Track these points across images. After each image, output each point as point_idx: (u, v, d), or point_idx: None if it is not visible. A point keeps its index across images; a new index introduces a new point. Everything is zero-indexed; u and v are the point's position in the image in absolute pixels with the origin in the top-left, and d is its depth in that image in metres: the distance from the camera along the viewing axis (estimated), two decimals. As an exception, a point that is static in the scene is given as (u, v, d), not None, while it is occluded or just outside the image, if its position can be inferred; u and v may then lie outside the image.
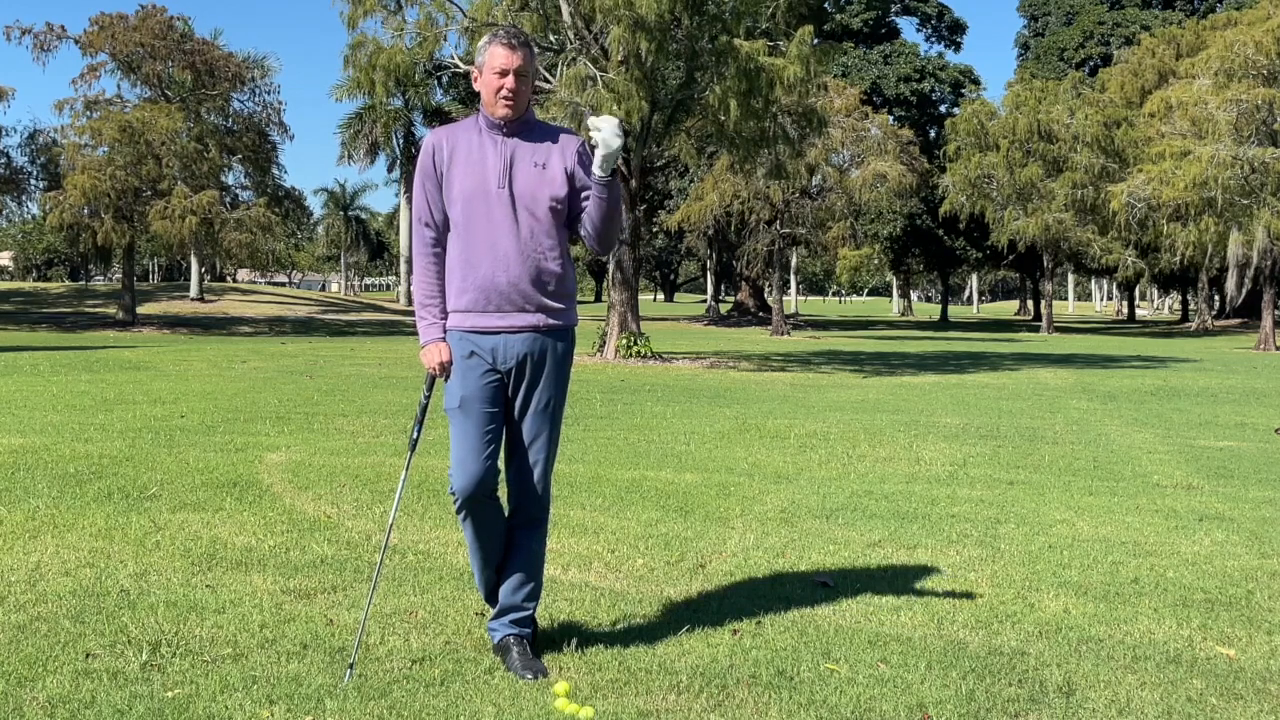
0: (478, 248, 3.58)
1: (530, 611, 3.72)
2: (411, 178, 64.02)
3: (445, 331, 3.65)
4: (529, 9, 20.58)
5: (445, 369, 3.62)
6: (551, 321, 3.65)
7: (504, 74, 3.57)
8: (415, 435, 3.77)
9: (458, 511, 3.66)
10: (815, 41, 20.49)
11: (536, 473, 3.69)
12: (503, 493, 3.72)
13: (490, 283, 3.57)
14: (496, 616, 3.73)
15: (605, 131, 3.55)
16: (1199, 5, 62.17)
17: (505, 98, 3.59)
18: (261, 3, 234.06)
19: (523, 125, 3.66)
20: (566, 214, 3.68)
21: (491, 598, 3.80)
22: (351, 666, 3.50)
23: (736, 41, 19.31)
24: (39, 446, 8.24)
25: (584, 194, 3.67)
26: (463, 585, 4.48)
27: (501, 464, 3.71)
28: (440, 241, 3.67)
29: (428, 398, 3.72)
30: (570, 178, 3.64)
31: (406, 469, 3.90)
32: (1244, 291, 34.87)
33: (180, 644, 3.73)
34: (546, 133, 3.70)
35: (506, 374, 3.63)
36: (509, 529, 3.74)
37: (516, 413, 3.68)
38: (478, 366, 3.61)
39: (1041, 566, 5.03)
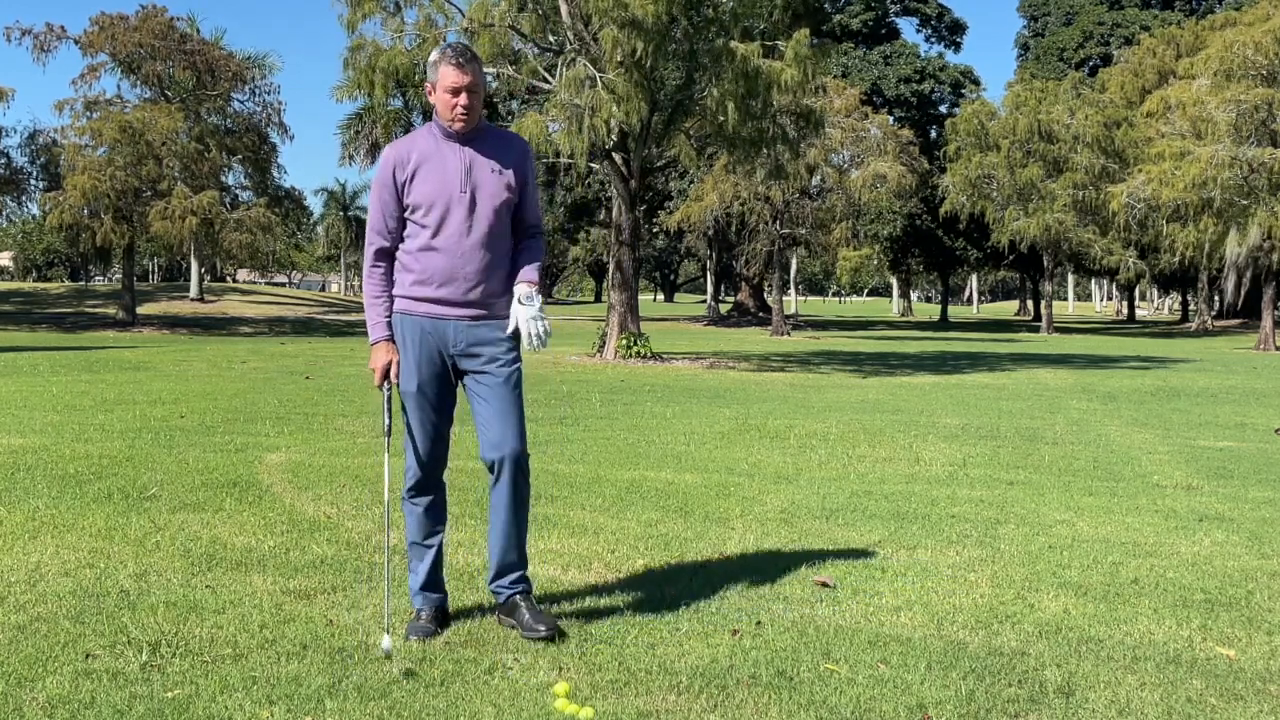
0: (438, 243, 3.87)
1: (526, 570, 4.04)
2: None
3: (391, 330, 3.93)
4: (527, 10, 20.58)
5: (389, 370, 3.91)
6: (500, 314, 3.94)
7: (456, 92, 3.84)
8: (388, 422, 3.95)
9: (416, 493, 3.97)
10: (814, 42, 20.45)
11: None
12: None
13: (446, 277, 3.87)
14: (497, 578, 3.99)
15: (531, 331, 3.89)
16: (1198, 5, 62.17)
17: (460, 114, 3.86)
18: (262, 3, 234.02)
19: (476, 133, 3.94)
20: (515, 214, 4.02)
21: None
22: (388, 633, 3.65)
23: (733, 44, 19.30)
24: (39, 446, 8.24)
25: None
26: (462, 585, 4.48)
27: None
28: (392, 253, 3.95)
29: (389, 389, 3.94)
30: (522, 182, 3.98)
31: (388, 458, 3.98)
32: (1243, 292, 34.85)
33: (180, 644, 3.73)
34: (500, 139, 4.02)
35: (457, 356, 3.93)
36: (495, 490, 3.99)
37: (476, 387, 3.94)
38: (431, 349, 3.91)
39: (1041, 566, 5.02)
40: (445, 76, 3.81)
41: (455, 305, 3.88)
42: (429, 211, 3.85)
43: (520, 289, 3.90)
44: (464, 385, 3.98)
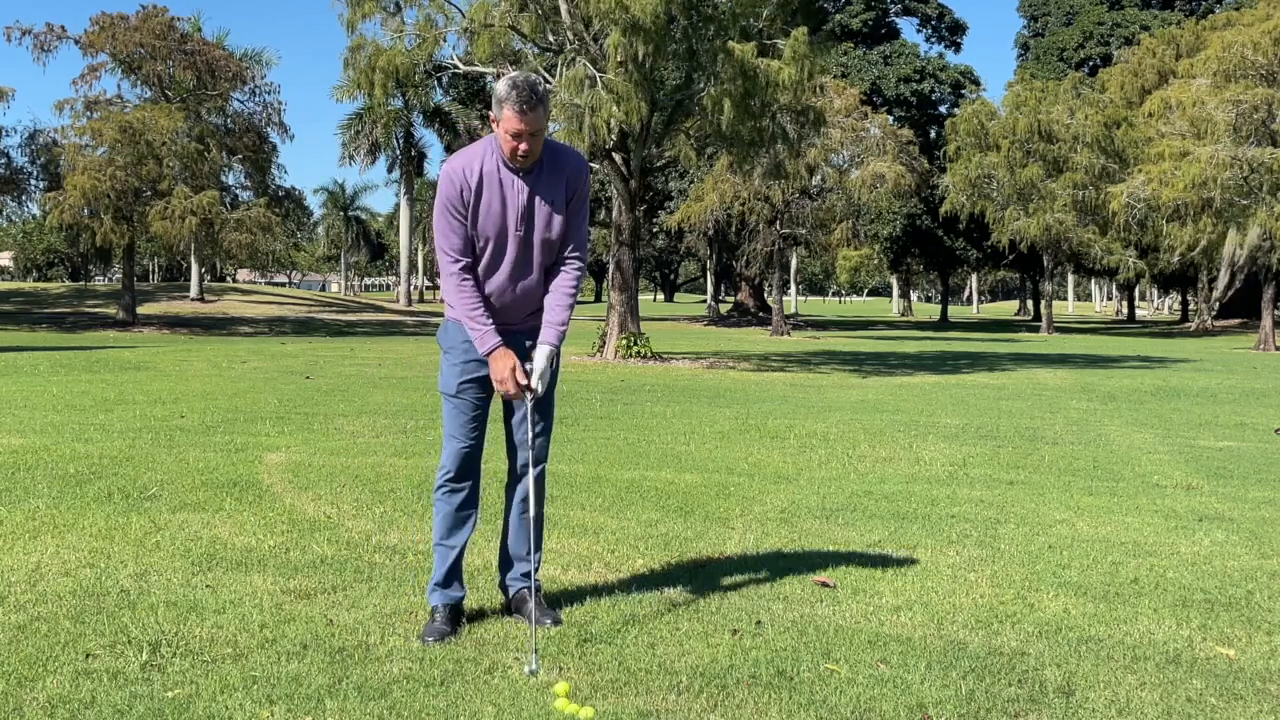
0: (492, 275, 3.93)
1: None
2: (411, 179, 63.33)
3: (500, 338, 3.88)
4: (528, 10, 20.57)
5: (516, 372, 3.87)
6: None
7: (518, 137, 3.78)
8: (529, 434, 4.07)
9: (449, 491, 4.03)
10: (813, 39, 20.42)
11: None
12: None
13: (498, 306, 3.96)
14: (509, 572, 4.17)
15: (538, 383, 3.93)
16: (1198, 5, 62.16)
17: (520, 158, 3.82)
18: (262, 3, 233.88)
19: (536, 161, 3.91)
20: None
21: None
22: (536, 652, 3.59)
23: (731, 44, 19.29)
24: (39, 446, 8.23)
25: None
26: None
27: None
28: (473, 266, 3.93)
29: (531, 396, 3.95)
30: (569, 199, 3.95)
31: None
32: (1231, 290, 34.86)
33: (180, 644, 3.73)
34: (556, 161, 3.93)
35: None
36: (510, 489, 4.18)
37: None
38: (477, 357, 3.97)
39: (1041, 566, 5.02)
40: (507, 120, 3.75)
41: (507, 325, 3.97)
42: (484, 245, 3.90)
43: (550, 350, 3.92)
44: None
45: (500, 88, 3.76)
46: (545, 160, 3.90)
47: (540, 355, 3.92)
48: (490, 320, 3.90)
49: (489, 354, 3.87)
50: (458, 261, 3.89)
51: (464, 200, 3.84)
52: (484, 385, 4.02)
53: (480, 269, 3.93)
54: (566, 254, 3.99)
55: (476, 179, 3.84)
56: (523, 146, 3.78)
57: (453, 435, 4.02)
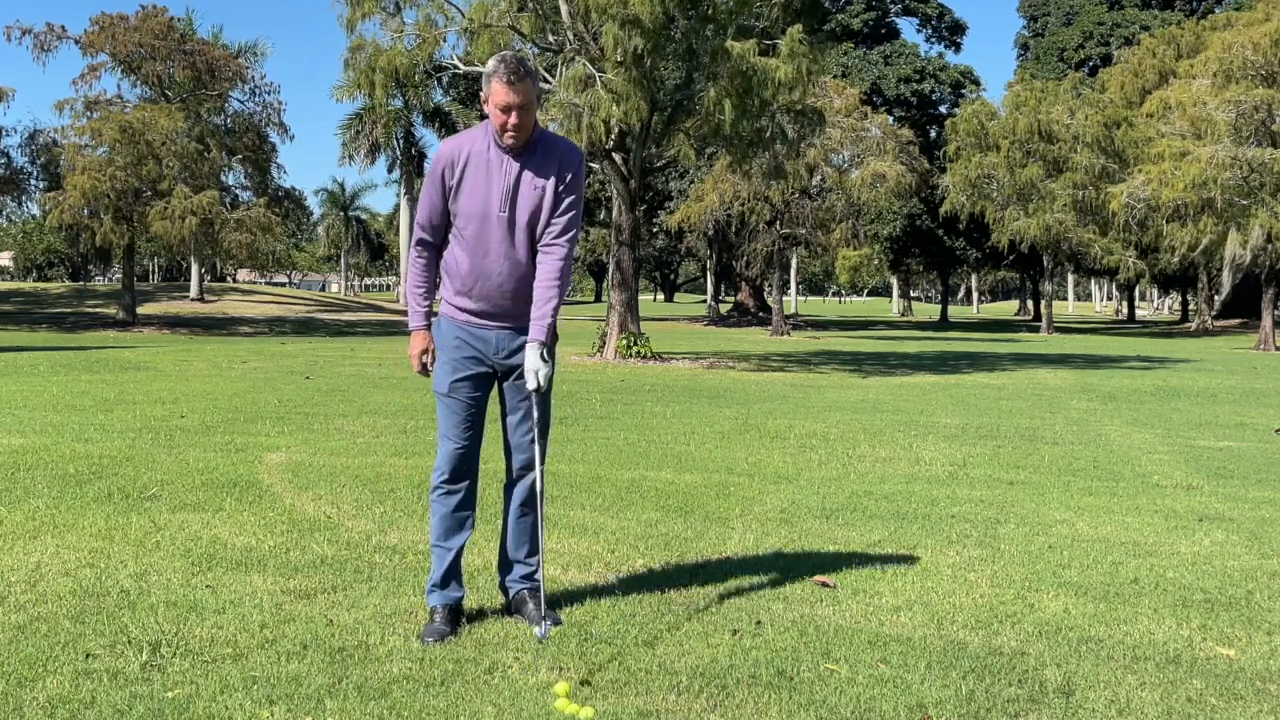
0: (477, 259, 3.91)
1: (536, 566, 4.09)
2: (412, 179, 63.56)
3: (428, 321, 4.05)
4: (527, 9, 20.57)
5: (424, 360, 4.05)
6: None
7: (507, 110, 3.78)
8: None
9: (444, 492, 4.03)
10: (811, 39, 20.37)
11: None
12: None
13: (484, 293, 3.94)
14: (509, 574, 4.16)
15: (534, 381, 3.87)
16: (1198, 5, 62.16)
17: (510, 132, 3.82)
18: (262, 3, 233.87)
19: (528, 145, 3.89)
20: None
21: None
22: (545, 621, 3.71)
23: (729, 43, 19.27)
24: (39, 446, 8.23)
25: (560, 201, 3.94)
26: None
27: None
28: (438, 246, 4.03)
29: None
30: (558, 190, 3.90)
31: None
32: (1230, 289, 34.92)
33: (180, 644, 3.73)
34: (549, 150, 3.93)
35: (499, 361, 4.00)
36: (509, 491, 4.16)
37: (511, 392, 4.05)
38: (472, 354, 3.99)
39: (1041, 566, 5.02)
40: (496, 94, 3.77)
41: (493, 318, 3.95)
42: (467, 224, 3.89)
43: (537, 347, 3.84)
44: (501, 388, 4.07)
45: (489, 64, 3.83)
46: (539, 147, 3.92)
47: (530, 353, 3.86)
48: (427, 302, 4.03)
49: (412, 331, 4.04)
50: (421, 235, 4.00)
51: (446, 178, 3.88)
52: (477, 384, 4.01)
53: (461, 252, 3.92)
54: (550, 238, 3.89)
55: (465, 157, 3.88)
56: (512, 119, 3.78)
57: (446, 435, 4.01)
